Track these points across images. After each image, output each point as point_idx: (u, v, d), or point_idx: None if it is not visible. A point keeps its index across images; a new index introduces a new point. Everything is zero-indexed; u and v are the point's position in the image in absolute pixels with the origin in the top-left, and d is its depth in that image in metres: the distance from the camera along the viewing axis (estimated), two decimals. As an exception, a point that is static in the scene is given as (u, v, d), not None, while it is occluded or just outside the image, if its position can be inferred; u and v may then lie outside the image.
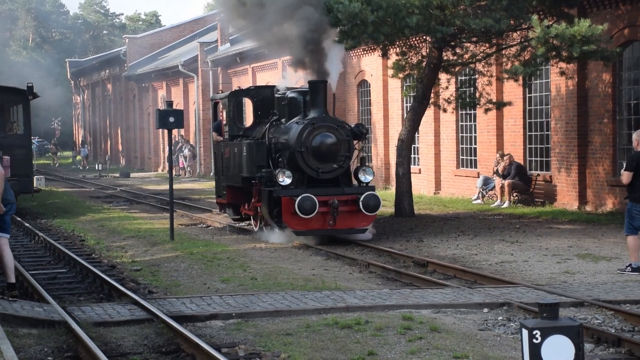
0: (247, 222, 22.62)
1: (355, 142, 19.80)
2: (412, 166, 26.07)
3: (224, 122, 22.85)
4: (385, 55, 25.43)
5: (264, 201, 19.18)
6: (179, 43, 62.33)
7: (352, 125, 20.22)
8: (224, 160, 22.58)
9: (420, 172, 32.18)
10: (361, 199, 18.48)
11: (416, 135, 27.15)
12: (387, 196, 28.79)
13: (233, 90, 23.05)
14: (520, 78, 22.63)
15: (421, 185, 31.65)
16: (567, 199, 25.13)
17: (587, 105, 24.53)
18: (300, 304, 12.56)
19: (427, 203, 28.28)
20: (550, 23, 20.51)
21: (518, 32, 21.94)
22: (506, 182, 26.15)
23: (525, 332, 6.68)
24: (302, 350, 10.03)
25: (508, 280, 14.32)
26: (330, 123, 19.15)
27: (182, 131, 49.54)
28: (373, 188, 19.56)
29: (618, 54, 22.28)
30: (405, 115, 28.43)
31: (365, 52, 33.49)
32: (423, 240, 19.71)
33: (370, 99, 36.24)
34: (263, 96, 22.10)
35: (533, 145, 27.29)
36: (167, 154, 49.60)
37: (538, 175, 26.64)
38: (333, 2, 20.04)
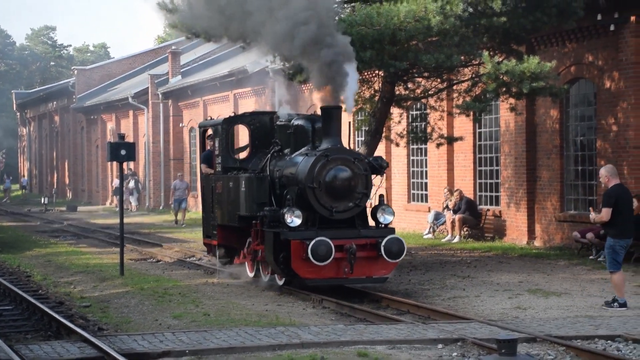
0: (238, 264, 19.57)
1: (373, 176, 17.00)
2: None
3: (216, 152, 19.40)
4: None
5: (268, 244, 16.29)
6: (129, 75, 62.01)
7: (370, 158, 17.36)
8: (215, 196, 19.30)
9: (371, 205, 32.16)
10: (383, 243, 15.66)
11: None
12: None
13: (227, 116, 20.02)
14: (471, 113, 22.77)
15: (372, 219, 31.66)
16: (516, 234, 25.31)
17: (536, 141, 24.77)
18: (254, 340, 12.49)
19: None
20: (501, 59, 20.72)
21: (469, 68, 22.10)
22: (457, 217, 26.25)
23: (483, 369, 6.68)
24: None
25: (461, 315, 14.36)
26: (346, 155, 16.38)
27: (132, 164, 49.17)
28: (393, 230, 16.63)
29: (565, 91, 22.59)
30: (357, 148, 28.44)
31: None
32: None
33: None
34: (261, 123, 19.09)
35: (483, 180, 27.48)
36: (116, 187, 50.00)
37: (488, 210, 26.81)
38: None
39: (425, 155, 29.99)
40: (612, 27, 21.66)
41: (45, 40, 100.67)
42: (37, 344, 12.65)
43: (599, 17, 21.43)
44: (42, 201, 55.84)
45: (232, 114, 21.00)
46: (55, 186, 68.30)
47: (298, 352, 11.61)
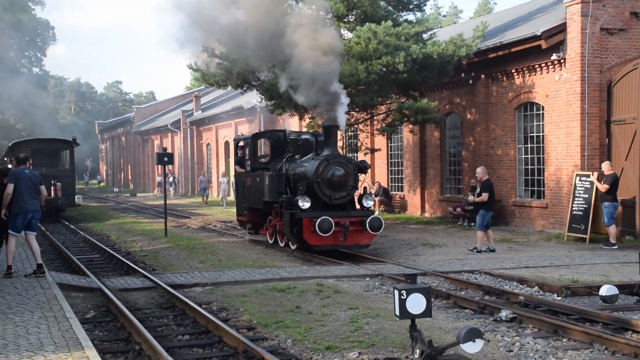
0: (262, 234, 18.36)
1: (359, 175, 15.76)
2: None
3: (246, 157, 18.39)
4: (301, 119, 25.48)
5: (286, 221, 15.26)
6: (168, 110, 61.33)
7: (358, 161, 16.13)
8: (246, 187, 18.13)
9: (358, 195, 32.11)
10: (367, 220, 14.66)
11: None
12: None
13: (254, 133, 18.80)
14: (386, 134, 22.87)
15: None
16: (413, 209, 25.44)
17: (425, 152, 24.88)
18: (251, 276, 12.45)
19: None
20: (404, 100, 20.86)
21: (384, 105, 22.20)
22: (377, 199, 26.33)
23: (396, 292, 6.73)
24: (253, 305, 9.94)
25: (381, 259, 14.41)
26: (341, 159, 15.34)
27: (171, 167, 48.67)
28: (373, 212, 15.75)
29: (443, 120, 22.80)
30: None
31: (289, 116, 33.44)
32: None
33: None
34: (277, 137, 17.94)
35: (393, 176, 27.57)
36: (158, 181, 49.73)
37: (396, 194, 26.92)
38: (268, 84, 20.05)
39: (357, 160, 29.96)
40: (470, 81, 21.88)
41: (115, 89, 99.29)
42: (115, 278, 12.57)
43: (463, 74, 21.64)
44: (115, 190, 54.95)
45: (257, 132, 19.35)
46: (122, 181, 67.76)
47: (279, 284, 11.59)
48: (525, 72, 19.69)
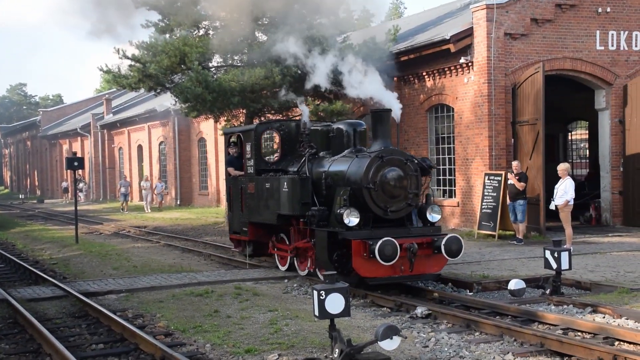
0: (263, 257, 14.28)
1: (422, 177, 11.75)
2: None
3: (248, 155, 13.69)
4: (217, 122, 25.22)
5: (320, 243, 10.99)
6: (77, 114, 59.42)
7: (419, 159, 11.81)
8: (247, 196, 13.53)
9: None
10: (443, 242, 10.48)
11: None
12: (220, 211, 28.51)
13: (258, 123, 14.84)
14: (301, 136, 22.93)
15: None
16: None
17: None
18: (168, 281, 12.25)
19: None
20: (319, 102, 21.03)
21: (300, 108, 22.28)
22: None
23: (315, 293, 6.79)
24: (170, 311, 9.78)
25: (298, 261, 14.43)
26: (399, 156, 11.19)
27: (81, 172, 47.15)
28: (440, 228, 11.36)
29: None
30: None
31: (204, 119, 33.09)
32: (243, 238, 19.59)
33: (206, 150, 35.82)
34: (289, 129, 13.64)
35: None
36: (64, 187, 48.12)
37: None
38: (183, 86, 19.78)
39: (273, 162, 29.85)
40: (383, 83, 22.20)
41: (19, 92, 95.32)
42: (23, 288, 12.09)
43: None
44: (20, 196, 52.77)
45: (262, 121, 15.60)
46: (28, 187, 65.10)
47: (196, 288, 11.45)
48: (436, 74, 20.22)
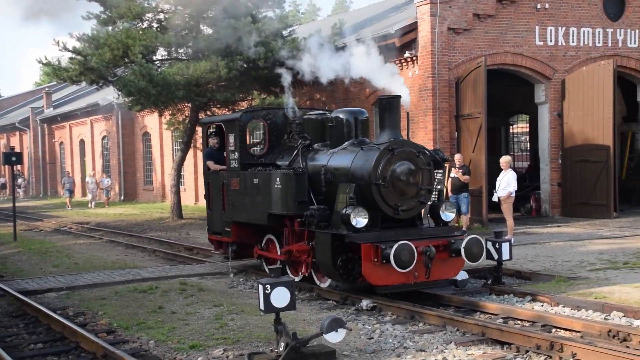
0: (247, 259, 12.69)
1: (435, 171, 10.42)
2: (180, 186, 25.60)
3: (231, 147, 11.89)
4: (161, 115, 24.95)
5: (323, 247, 9.57)
6: (15, 107, 57.53)
7: (431, 151, 10.30)
8: (230, 193, 11.91)
9: (185, 190, 31.65)
10: (463, 244, 9.25)
11: (183, 166, 26.58)
12: (165, 206, 28.16)
13: (243, 110, 13.10)
14: (247, 130, 22.84)
15: (186, 198, 31.10)
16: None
17: (288, 147, 25.04)
18: (111, 278, 12.04)
19: (191, 210, 27.84)
20: (265, 96, 20.94)
21: (246, 101, 22.18)
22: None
23: (260, 287, 6.76)
24: (113, 308, 9.61)
25: (245, 255, 14.37)
26: (410, 148, 9.82)
27: (20, 167, 45.81)
28: (453, 228, 10.22)
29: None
30: (175, 154, 27.93)
31: (148, 113, 32.58)
32: (190, 234, 19.42)
33: (151, 144, 35.28)
34: (276, 118, 12.03)
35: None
36: (9, 182, 46.62)
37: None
38: (126, 80, 19.43)
39: (219, 157, 29.60)
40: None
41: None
42: (-42, 289, 11.73)
43: (323, 70, 21.97)
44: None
45: (247, 108, 13.72)
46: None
47: (140, 284, 11.27)
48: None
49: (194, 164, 31.16)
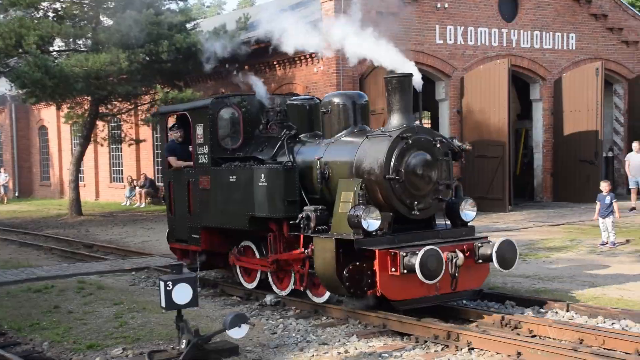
0: (216, 269, 11.20)
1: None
2: (80, 182, 24.75)
3: (199, 140, 10.15)
4: (59, 109, 24.02)
5: (324, 255, 8.00)
6: None
7: (448, 138, 8.76)
8: (199, 193, 10.14)
9: (85, 186, 30.60)
10: (495, 249, 7.91)
11: (82, 161, 25.66)
12: (64, 202, 27.14)
13: (214, 97, 11.19)
14: (151, 124, 22.37)
15: (86, 194, 30.09)
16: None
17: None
18: (2, 278, 11.46)
19: (91, 206, 26.98)
20: (168, 90, 20.54)
21: (149, 95, 21.68)
22: (143, 191, 25.74)
23: (161, 283, 6.63)
24: (4, 309, 9.17)
25: (147, 252, 14.12)
26: (427, 136, 8.36)
27: None
28: (474, 229, 8.65)
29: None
30: (74, 148, 26.96)
31: (45, 106, 31.23)
32: (89, 230, 18.82)
33: (48, 138, 33.87)
34: (251, 106, 10.26)
35: (161, 167, 27.05)
36: None
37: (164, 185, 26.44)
38: (20, 71, 18.56)
39: (121, 151, 28.95)
40: (234, 72, 22.14)
41: None
42: None
43: (227, 65, 21.82)
44: None
45: (219, 95, 11.71)
46: None
47: (35, 284, 10.79)
48: (286, 64, 20.39)
49: (95, 159, 30.22)
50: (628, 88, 23.42)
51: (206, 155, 10.05)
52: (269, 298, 9.25)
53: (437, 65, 20.12)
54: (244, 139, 10.18)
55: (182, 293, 6.63)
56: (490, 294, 8.95)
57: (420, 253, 7.32)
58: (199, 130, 10.19)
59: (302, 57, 19.68)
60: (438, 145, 8.29)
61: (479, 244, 8.13)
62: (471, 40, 20.58)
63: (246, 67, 21.70)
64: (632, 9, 23.95)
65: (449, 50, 20.29)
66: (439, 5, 19.93)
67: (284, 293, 9.30)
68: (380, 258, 7.59)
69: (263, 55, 20.75)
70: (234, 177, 9.47)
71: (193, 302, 6.70)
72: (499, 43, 20.94)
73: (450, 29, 20.19)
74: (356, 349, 7.08)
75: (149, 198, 26.02)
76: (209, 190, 9.91)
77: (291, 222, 8.68)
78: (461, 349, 6.91)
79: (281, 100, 10.13)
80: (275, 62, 20.69)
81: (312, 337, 7.55)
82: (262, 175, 8.91)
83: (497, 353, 6.69)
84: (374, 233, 7.74)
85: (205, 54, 16.86)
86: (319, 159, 8.64)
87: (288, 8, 23.96)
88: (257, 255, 9.66)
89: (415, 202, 8.16)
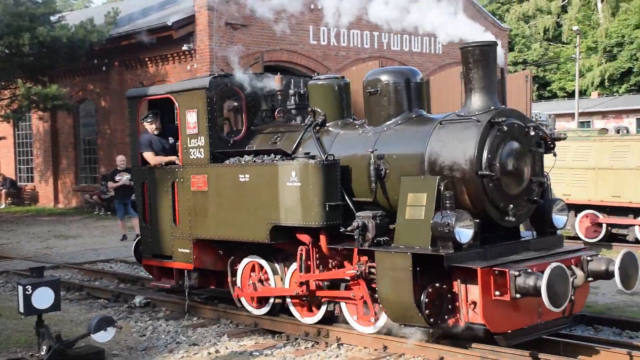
0: (206, 288, 8.80)
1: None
2: None
3: (191, 130, 7.93)
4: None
5: (394, 275, 6.12)
6: None
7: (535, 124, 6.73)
8: (191, 197, 7.94)
9: None
10: (617, 264, 6.19)
11: None
12: None
13: (210, 75, 8.66)
14: (11, 121, 21.18)
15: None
16: (46, 201, 24.06)
17: (58, 140, 23.69)
18: None
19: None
20: (31, 85, 19.56)
21: (9, 90, 20.49)
22: (4, 191, 24.34)
23: (20, 288, 6.32)
24: None
25: (6, 256, 13.35)
26: (519, 121, 6.54)
27: None
28: (562, 239, 7.11)
29: (76, 107, 21.97)
30: None
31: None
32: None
33: None
34: (254, 88, 8.28)
35: (22, 166, 25.69)
36: None
37: (26, 185, 25.16)
38: None
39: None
40: (104, 68, 21.45)
41: None
42: None
43: (96, 61, 21.10)
44: None
45: (217, 74, 8.39)
46: None
47: None
48: (159, 61, 19.97)
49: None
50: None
51: (202, 149, 7.87)
52: (138, 299, 9.02)
53: (311, 66, 20.40)
54: (247, 129, 8.15)
55: (43, 297, 6.35)
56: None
57: (547, 272, 5.67)
58: (191, 117, 7.98)
59: (175, 54, 19.34)
60: (532, 133, 6.58)
61: (588, 258, 6.51)
62: (344, 42, 21.05)
63: (116, 63, 21.08)
64: (492, 17, 25.41)
65: (323, 51, 20.64)
66: (312, 6, 20.22)
67: (312, 321, 7.35)
68: (483, 279, 5.88)
69: (134, 50, 20.23)
70: (247, 175, 7.34)
71: (55, 307, 6.44)
72: (370, 45, 21.54)
73: (323, 30, 20.54)
74: (227, 348, 7.06)
75: (9, 199, 24.63)
76: (207, 193, 7.78)
77: (327, 232, 6.84)
78: (331, 344, 7.06)
79: (294, 82, 8.24)
80: (146, 59, 20.21)
81: (183, 338, 7.45)
82: (294, 172, 6.90)
83: (365, 347, 6.89)
84: (465, 245, 6.06)
85: (71, 48, 16.31)
86: (372, 152, 6.76)
87: (156, 5, 23.50)
88: (270, 275, 7.62)
89: (511, 206, 6.44)
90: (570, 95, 46.85)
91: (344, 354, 6.80)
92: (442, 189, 6.14)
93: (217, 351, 6.96)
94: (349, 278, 6.83)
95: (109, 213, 19.63)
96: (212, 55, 18.39)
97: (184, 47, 18.74)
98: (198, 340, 7.37)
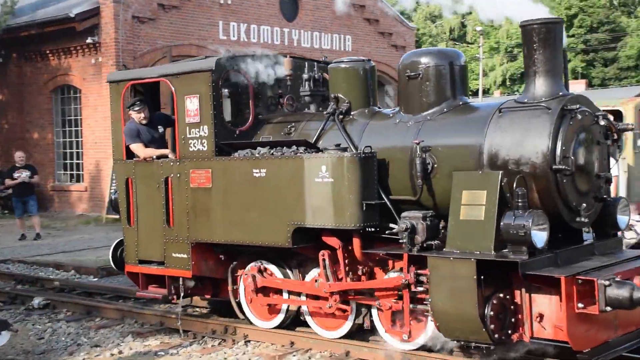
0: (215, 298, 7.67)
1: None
2: None
3: (192, 119, 6.95)
4: None
5: (453, 285, 5.35)
6: None
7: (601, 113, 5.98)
8: (189, 194, 6.97)
9: None
10: None
11: None
12: None
13: (215, 56, 7.08)
14: None
15: None
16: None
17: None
18: None
19: None
20: None
21: None
22: None
23: None
24: None
25: None
26: (588, 109, 5.80)
27: None
28: (621, 241, 6.35)
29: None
30: None
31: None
32: None
33: None
34: (259, 73, 7.28)
35: None
36: None
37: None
38: None
39: None
40: (1, 60, 20.50)
41: None
42: None
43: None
44: None
45: (220, 58, 7.13)
46: None
47: None
48: (61, 53, 19.24)
49: None
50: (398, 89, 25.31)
51: (204, 140, 6.90)
52: (36, 301, 8.66)
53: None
54: (255, 118, 7.27)
55: None
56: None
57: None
58: (191, 104, 7.01)
59: (79, 47, 18.68)
60: (602, 123, 5.88)
61: None
62: (254, 38, 20.92)
63: (14, 55, 20.18)
64: (401, 16, 25.90)
65: (233, 47, 20.43)
66: (222, 2, 20.01)
67: (337, 335, 6.54)
68: (567, 288, 5.08)
69: (34, 42, 19.41)
70: (262, 170, 6.45)
71: (-57, 311, 6.07)
72: (280, 41, 21.52)
73: (233, 25, 20.36)
74: (131, 349, 6.88)
75: None
76: (210, 190, 6.87)
77: (361, 235, 6.08)
78: (238, 342, 6.99)
79: (308, 65, 7.25)
80: (47, 51, 19.42)
81: (84, 339, 7.20)
82: (324, 167, 6.08)
83: (272, 344, 6.87)
84: (539, 250, 5.34)
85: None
86: (417, 144, 5.94)
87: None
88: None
89: (583, 204, 5.71)
90: (474, 94, 48.48)
91: (251, 351, 6.75)
92: (504, 185, 5.42)
93: (120, 352, 6.78)
94: (391, 287, 5.99)
95: (6, 212, 18.76)
96: (118, 49, 17.87)
97: (89, 40, 18.12)
98: (100, 341, 7.15)
